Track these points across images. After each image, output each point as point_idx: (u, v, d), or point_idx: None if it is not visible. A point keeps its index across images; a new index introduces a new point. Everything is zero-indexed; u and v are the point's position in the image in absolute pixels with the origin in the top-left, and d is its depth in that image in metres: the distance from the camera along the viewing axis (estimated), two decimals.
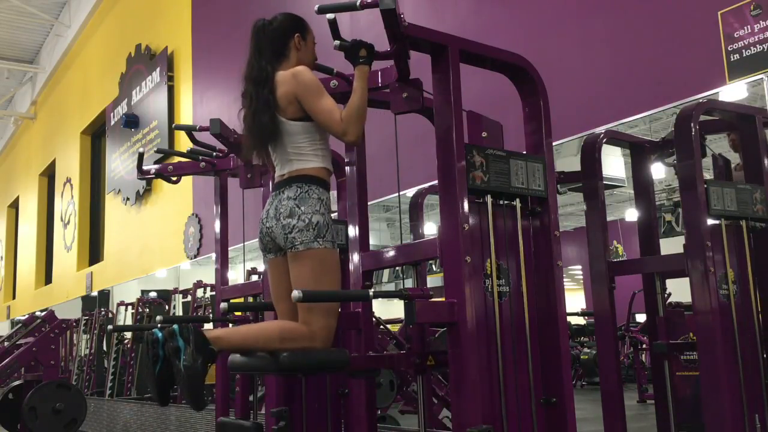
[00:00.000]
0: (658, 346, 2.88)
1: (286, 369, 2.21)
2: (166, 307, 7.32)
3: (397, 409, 4.68)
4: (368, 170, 2.76)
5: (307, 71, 2.35)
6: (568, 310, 2.38)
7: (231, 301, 3.69)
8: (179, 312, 7.22)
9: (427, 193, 3.93)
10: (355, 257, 2.61)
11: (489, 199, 2.24)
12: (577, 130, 3.40)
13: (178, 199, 7.32)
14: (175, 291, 7.36)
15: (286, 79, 2.34)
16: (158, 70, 7.97)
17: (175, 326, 2.10)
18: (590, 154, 3.03)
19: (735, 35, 2.92)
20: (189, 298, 6.83)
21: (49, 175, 12.81)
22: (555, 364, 2.25)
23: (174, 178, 3.91)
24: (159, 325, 2.80)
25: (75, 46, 11.35)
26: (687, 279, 2.65)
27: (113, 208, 9.40)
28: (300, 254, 2.27)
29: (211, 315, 5.44)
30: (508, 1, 4.03)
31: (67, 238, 11.02)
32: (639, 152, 3.21)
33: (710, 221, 2.65)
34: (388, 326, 4.93)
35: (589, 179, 3.04)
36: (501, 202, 2.28)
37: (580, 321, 8.59)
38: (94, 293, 9.65)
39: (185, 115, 7.46)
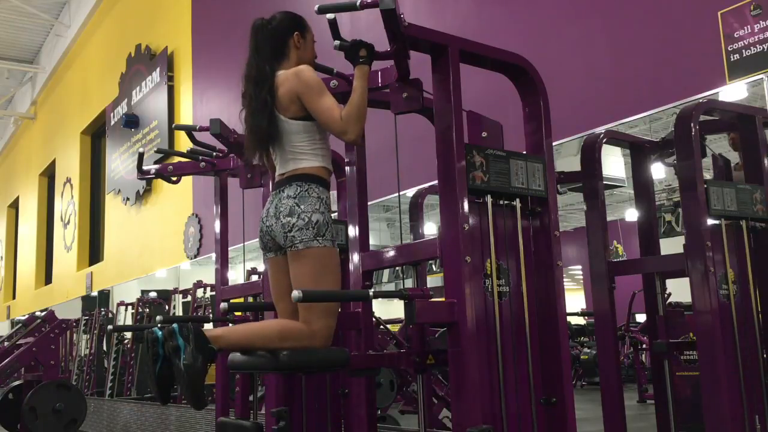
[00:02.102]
0: (658, 345, 2.88)
1: (286, 368, 2.21)
2: (166, 307, 7.32)
3: (397, 409, 4.68)
4: (368, 170, 2.76)
5: (309, 70, 2.35)
6: (568, 310, 2.38)
7: (231, 301, 3.69)
8: (179, 312, 7.22)
9: (427, 193, 3.93)
10: (355, 257, 2.60)
11: (489, 199, 2.24)
12: (577, 130, 3.40)
13: (178, 199, 7.33)
14: (175, 291, 7.36)
15: (288, 78, 2.34)
16: (158, 70, 7.97)
17: (175, 325, 2.10)
18: (590, 154, 3.03)
19: (735, 35, 2.92)
20: (189, 298, 6.83)
21: (49, 175, 12.82)
22: (555, 364, 2.25)
23: (174, 178, 3.91)
24: (158, 325, 2.80)
25: (75, 46, 11.35)
26: (687, 279, 2.65)
27: (113, 208, 9.40)
28: (300, 253, 2.26)
29: (211, 315, 5.44)
30: (508, 1, 4.03)
31: (67, 238, 11.02)
32: (639, 152, 3.21)
33: (710, 221, 2.65)
34: (388, 326, 4.93)
35: (589, 179, 3.04)
36: (501, 202, 2.28)
37: (580, 321, 8.59)
38: (94, 293, 9.65)
39: (185, 115, 7.46)
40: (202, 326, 4.17)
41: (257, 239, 2.45)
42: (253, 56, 2.41)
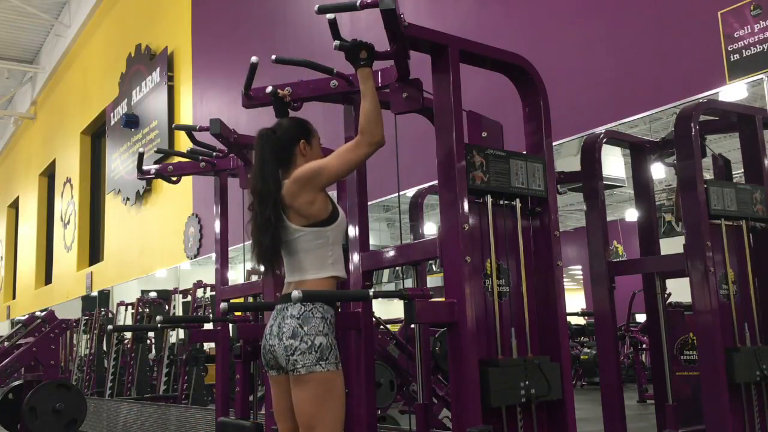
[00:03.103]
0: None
1: None
2: (166, 307, 7.33)
3: (397, 409, 4.68)
4: (368, 170, 2.76)
5: (299, 169, 2.31)
6: (568, 310, 2.38)
7: (231, 301, 3.69)
8: (179, 312, 7.22)
9: (427, 193, 3.93)
10: (355, 257, 2.61)
11: (489, 199, 2.24)
12: (577, 130, 3.40)
13: (178, 199, 7.33)
14: (175, 291, 7.36)
15: (295, 190, 2.29)
16: (158, 70, 7.97)
17: None
18: (590, 154, 3.03)
19: (735, 35, 2.92)
20: (189, 298, 6.83)
21: (49, 175, 12.82)
22: (555, 363, 2.25)
23: (174, 178, 3.91)
24: (159, 325, 2.79)
25: (75, 46, 11.35)
26: (687, 279, 2.65)
27: (113, 208, 9.40)
28: (302, 378, 2.19)
29: (211, 315, 5.45)
30: (508, 1, 4.03)
31: (67, 238, 11.02)
32: (639, 152, 3.21)
33: (710, 221, 2.65)
34: (388, 326, 4.93)
35: (589, 179, 3.04)
36: (501, 202, 2.28)
37: (580, 321, 8.59)
38: (94, 293, 9.65)
39: (185, 115, 7.46)
40: (202, 326, 4.17)
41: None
42: (258, 168, 2.37)
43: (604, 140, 3.07)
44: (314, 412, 2.18)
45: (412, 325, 2.64)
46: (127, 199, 8.70)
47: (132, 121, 8.52)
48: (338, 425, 2.23)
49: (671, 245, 3.48)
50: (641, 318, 6.61)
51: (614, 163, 4.00)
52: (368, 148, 2.21)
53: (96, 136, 10.79)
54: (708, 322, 2.56)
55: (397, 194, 3.04)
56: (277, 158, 2.37)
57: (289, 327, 2.22)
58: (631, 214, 3.89)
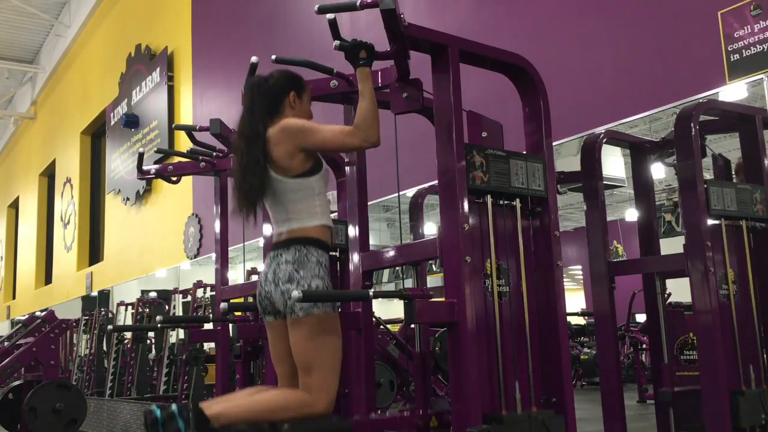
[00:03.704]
0: (663, 395, 2.84)
1: None
2: (166, 307, 7.32)
3: (397, 409, 4.68)
4: (368, 170, 2.76)
5: (291, 119, 2.32)
6: (568, 310, 2.38)
7: (231, 301, 3.69)
8: (179, 312, 7.22)
9: (427, 193, 3.92)
10: (355, 257, 2.60)
11: (489, 199, 2.24)
12: (577, 130, 3.40)
13: (178, 199, 7.33)
14: (175, 291, 7.35)
15: (279, 138, 2.29)
16: (158, 70, 7.97)
17: (174, 407, 2.08)
18: (590, 154, 3.03)
19: (735, 35, 2.92)
20: (189, 298, 6.83)
21: (49, 175, 12.82)
22: (555, 364, 2.25)
23: (174, 178, 3.91)
24: (159, 325, 2.78)
25: (75, 46, 11.35)
26: (687, 279, 2.65)
27: (113, 208, 9.40)
28: (299, 320, 2.22)
29: (211, 315, 5.44)
30: (508, 1, 4.03)
31: (67, 238, 11.02)
32: (639, 152, 3.21)
33: (710, 221, 2.65)
34: (388, 326, 4.93)
35: (589, 179, 3.04)
36: (501, 202, 2.28)
37: (580, 321, 8.59)
38: (94, 293, 9.65)
39: (185, 115, 7.46)
40: (202, 326, 4.17)
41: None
42: (247, 114, 2.37)
43: (604, 140, 3.06)
44: (312, 353, 2.20)
45: (412, 325, 2.64)
46: (127, 199, 8.70)
47: (132, 121, 8.52)
48: (336, 365, 2.26)
49: (671, 245, 3.49)
50: (641, 318, 6.61)
51: (614, 163, 4.00)
52: (362, 143, 2.23)
53: (96, 136, 10.79)
54: (708, 322, 2.55)
55: (397, 194, 3.04)
56: (267, 105, 2.37)
57: (284, 272, 2.24)
58: (631, 214, 3.90)
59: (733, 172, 3.08)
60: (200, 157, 3.73)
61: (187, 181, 6.48)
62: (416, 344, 2.60)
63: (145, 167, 3.85)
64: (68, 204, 11.09)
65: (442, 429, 2.46)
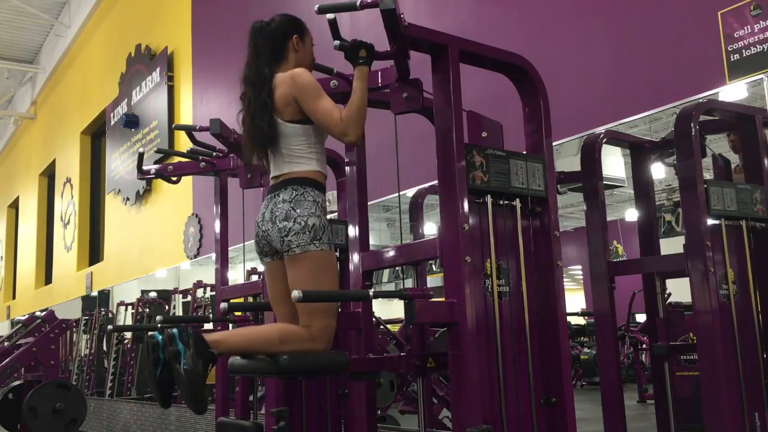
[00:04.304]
0: (658, 348, 2.88)
1: (286, 372, 2.21)
2: (166, 307, 7.32)
3: (397, 409, 4.68)
4: (368, 170, 2.76)
5: (305, 73, 2.35)
6: (568, 310, 2.38)
7: (231, 301, 3.69)
8: (179, 312, 7.22)
9: (427, 193, 3.92)
10: (355, 257, 2.60)
11: (489, 199, 2.24)
12: (577, 130, 3.40)
13: (178, 199, 7.32)
14: (175, 291, 7.36)
15: (284, 81, 2.34)
16: (158, 70, 7.97)
17: (175, 330, 2.10)
18: (590, 154, 3.03)
19: (735, 35, 2.92)
20: (189, 298, 6.83)
21: (49, 175, 12.81)
22: (555, 364, 2.25)
23: (174, 178, 3.91)
24: (159, 326, 2.81)
25: (75, 46, 11.35)
26: (687, 279, 2.64)
27: (113, 208, 9.40)
28: (297, 257, 2.26)
29: (211, 315, 5.44)
30: (508, 1, 4.03)
31: (67, 238, 11.02)
32: (639, 152, 3.21)
33: (710, 221, 2.64)
34: (388, 326, 4.93)
35: (589, 179, 3.04)
36: (501, 202, 2.28)
37: (580, 321, 8.58)
38: (94, 293, 9.65)
39: (185, 115, 7.46)
40: (202, 326, 4.17)
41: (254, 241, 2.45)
42: (251, 59, 2.41)
43: (604, 140, 3.06)
44: (311, 289, 2.20)
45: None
46: (127, 199, 8.70)
47: (132, 121, 8.52)
48: (333, 304, 2.30)
49: (671, 245, 3.48)
50: (641, 318, 6.60)
51: (614, 163, 3.99)
52: (339, 135, 2.27)
53: (96, 136, 10.79)
54: (708, 322, 2.55)
55: (397, 194, 3.04)
56: (271, 49, 2.40)
57: (281, 210, 2.27)
58: (631, 214, 3.89)
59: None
60: (200, 157, 3.73)
61: (187, 181, 6.48)
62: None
63: (145, 167, 3.85)
64: (68, 204, 11.09)
65: (438, 369, 2.47)
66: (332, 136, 2.33)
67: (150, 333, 2.15)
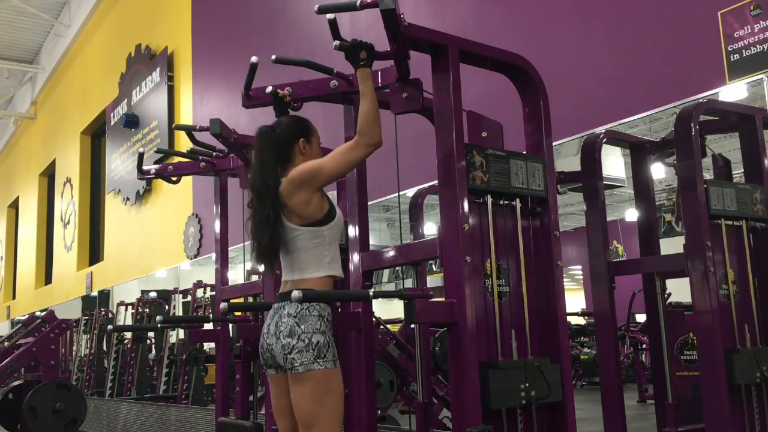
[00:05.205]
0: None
1: None
2: (166, 307, 7.33)
3: (397, 409, 4.68)
4: (368, 170, 2.76)
5: (294, 170, 2.32)
6: (568, 310, 2.38)
7: (231, 301, 3.69)
8: (179, 312, 7.22)
9: (427, 193, 3.92)
10: (355, 257, 2.61)
11: (489, 199, 2.24)
12: (577, 130, 3.40)
13: (178, 199, 7.32)
14: (175, 291, 7.36)
15: (291, 190, 2.30)
16: (158, 70, 7.97)
17: None
18: (590, 154, 3.03)
19: (735, 35, 2.92)
20: (189, 298, 6.83)
21: (49, 175, 12.81)
22: (555, 363, 2.25)
23: (174, 178, 3.91)
24: (158, 325, 2.80)
25: (75, 46, 11.35)
26: (687, 279, 2.64)
27: (113, 208, 9.40)
28: (300, 376, 2.20)
29: (211, 315, 5.44)
30: (508, 1, 4.03)
31: (67, 238, 11.02)
32: (639, 152, 3.21)
33: (710, 221, 2.65)
34: (388, 326, 4.93)
35: (589, 179, 3.04)
36: (501, 202, 2.28)
37: (580, 321, 8.58)
38: (94, 293, 9.65)
39: (185, 115, 7.46)
40: (202, 326, 4.16)
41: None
42: (257, 165, 2.37)
43: (604, 140, 3.06)
44: (313, 410, 2.18)
45: (412, 325, 2.64)
46: (127, 199, 8.70)
47: (132, 121, 8.52)
48: (337, 423, 2.23)
49: (671, 245, 3.48)
50: (641, 318, 6.60)
51: (614, 163, 4.00)
52: (366, 149, 2.22)
53: (96, 136, 10.79)
54: (708, 322, 2.56)
55: (397, 194, 3.04)
56: (277, 156, 2.36)
57: (286, 326, 2.22)
58: (631, 214, 3.89)
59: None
60: (200, 157, 3.73)
61: (187, 181, 6.47)
62: None
63: (145, 167, 3.84)
64: (68, 204, 11.09)
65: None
66: (363, 159, 2.29)
67: None
